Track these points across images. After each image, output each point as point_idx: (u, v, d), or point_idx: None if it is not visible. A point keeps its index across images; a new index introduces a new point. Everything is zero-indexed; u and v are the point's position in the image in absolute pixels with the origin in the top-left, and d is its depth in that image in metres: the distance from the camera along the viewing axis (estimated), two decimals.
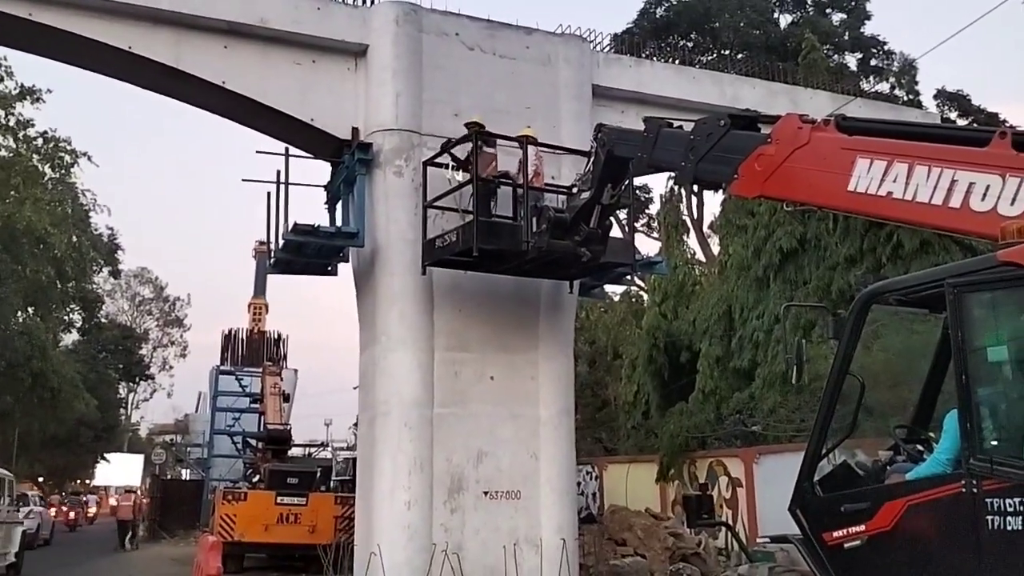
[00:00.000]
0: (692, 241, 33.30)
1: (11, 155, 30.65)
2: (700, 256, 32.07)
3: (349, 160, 11.11)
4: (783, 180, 6.22)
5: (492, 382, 10.99)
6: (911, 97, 28.42)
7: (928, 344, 5.87)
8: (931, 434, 5.50)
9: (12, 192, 29.41)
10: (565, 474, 11.22)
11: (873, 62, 34.50)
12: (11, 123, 30.52)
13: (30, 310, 30.71)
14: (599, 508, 18.84)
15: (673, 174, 8.33)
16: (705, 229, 33.80)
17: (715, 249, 31.74)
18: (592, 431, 25.14)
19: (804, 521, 5.22)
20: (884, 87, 32.22)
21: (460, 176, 10.35)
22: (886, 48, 34.23)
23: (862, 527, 4.78)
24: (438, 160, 10.64)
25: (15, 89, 29.56)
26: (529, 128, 10.46)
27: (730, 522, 14.68)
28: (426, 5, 11.67)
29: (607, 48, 13.30)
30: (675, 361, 21.40)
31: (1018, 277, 4.21)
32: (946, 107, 31.03)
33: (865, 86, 28.18)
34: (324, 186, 12.03)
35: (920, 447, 5.34)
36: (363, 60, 11.43)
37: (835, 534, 4.93)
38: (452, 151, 10.43)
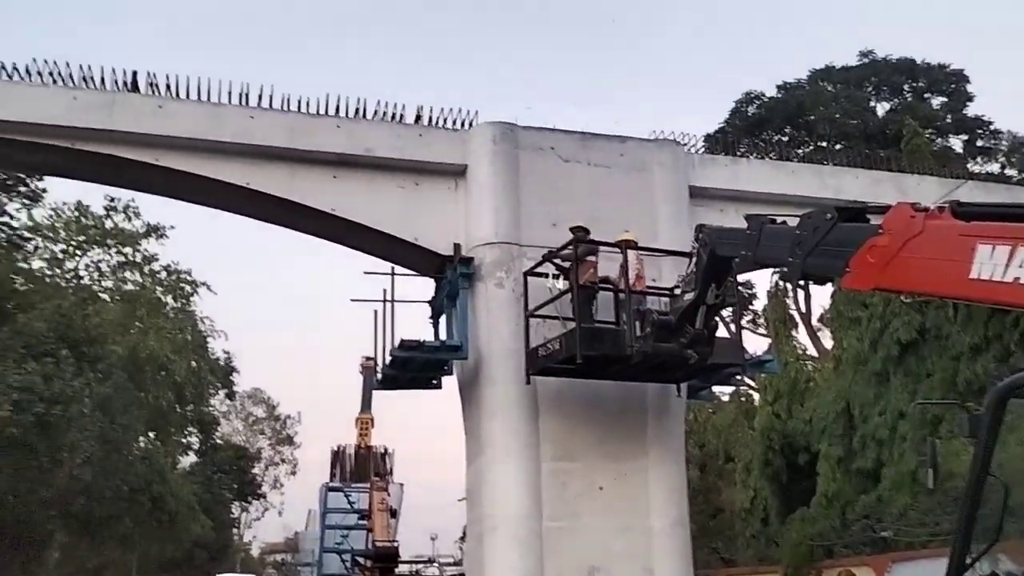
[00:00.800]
0: (802, 336, 32.34)
1: (137, 288, 32.87)
2: (811, 351, 31.02)
3: (452, 275, 11.37)
4: (898, 271, 6.01)
5: (601, 492, 10.70)
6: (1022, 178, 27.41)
7: None
8: None
9: (137, 323, 31.36)
10: None
11: (979, 143, 33.63)
12: (138, 259, 32.89)
13: (151, 435, 32.06)
14: None
15: (779, 270, 8.19)
16: (814, 323, 32.82)
17: (826, 343, 30.68)
18: (707, 540, 24.03)
19: None
20: (994, 167, 31.22)
21: (561, 284, 10.44)
22: (992, 128, 33.33)
23: None
24: (538, 270, 10.78)
25: (142, 228, 32.01)
26: (628, 232, 10.54)
27: None
28: (522, 123, 12.10)
29: (700, 149, 13.42)
30: (793, 463, 20.51)
31: None
32: None
33: (973, 168, 27.37)
34: (428, 301, 12.30)
35: None
36: (463, 179, 11.83)
37: None
38: (553, 260, 10.58)
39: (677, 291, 9.89)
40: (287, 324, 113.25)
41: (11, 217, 22.47)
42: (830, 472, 18.65)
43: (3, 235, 22.00)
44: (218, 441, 45.83)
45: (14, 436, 18.52)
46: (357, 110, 11.66)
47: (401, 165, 11.68)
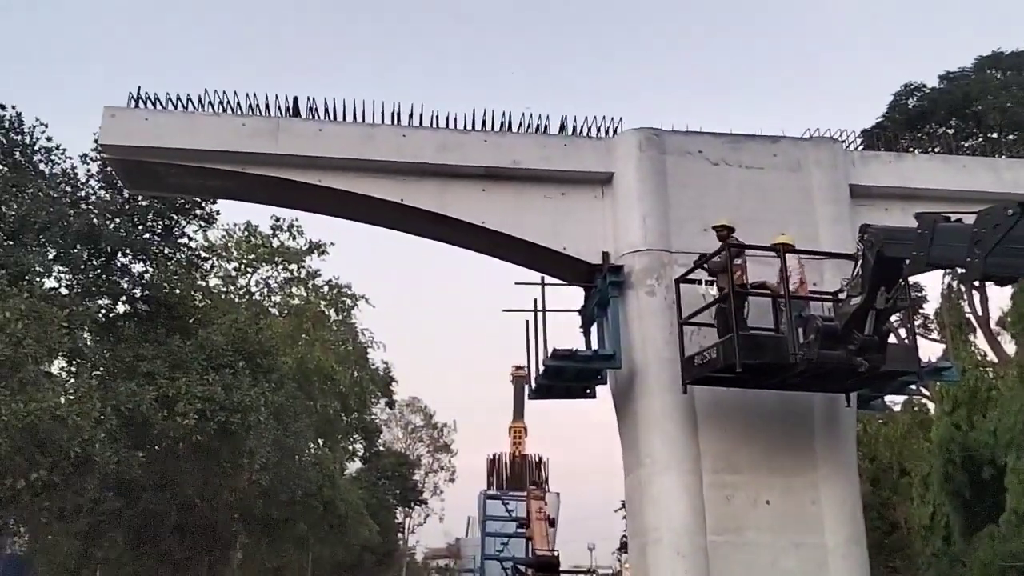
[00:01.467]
0: (979, 341, 29.97)
1: (302, 303, 34.82)
2: (991, 357, 28.67)
3: (601, 284, 11.28)
4: None
5: (768, 507, 10.26)
6: None
7: None
8: None
9: (304, 336, 33.18)
10: None
11: None
12: (302, 275, 34.86)
13: (320, 441, 33.76)
14: None
15: (955, 271, 7.68)
16: (993, 326, 30.35)
17: (1008, 348, 28.30)
18: (883, 559, 22.62)
19: None
20: None
21: (715, 291, 10.14)
22: None
23: None
24: (690, 276, 10.52)
25: (305, 245, 33.91)
26: (784, 235, 10.11)
27: None
28: (667, 127, 11.88)
29: (859, 146, 12.71)
30: (976, 478, 18.97)
31: None
32: None
33: None
34: (578, 310, 12.26)
35: None
36: (609, 187, 11.75)
37: None
38: (703, 265, 10.30)
39: (842, 295, 9.41)
40: (441, 336, 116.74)
41: (189, 239, 24.30)
42: (1020, 487, 17.09)
43: (183, 255, 23.80)
44: (380, 448, 47.67)
45: (199, 443, 19.95)
46: (503, 123, 11.84)
47: (547, 176, 11.74)
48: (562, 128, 11.98)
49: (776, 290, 9.93)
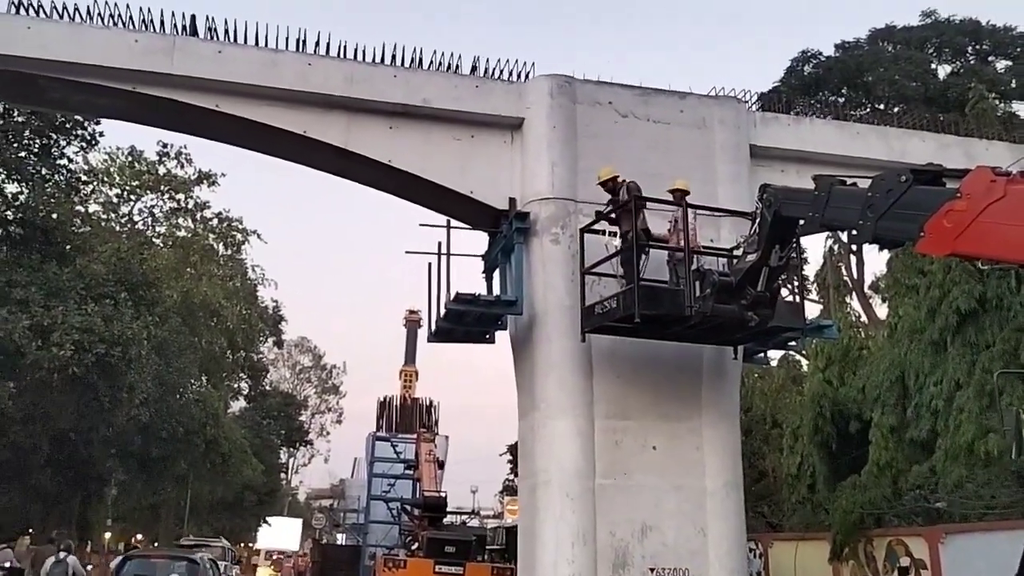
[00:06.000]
0: (854, 303, 31.70)
1: (189, 235, 33.44)
2: (863, 319, 30.42)
3: (507, 230, 11.28)
4: (977, 237, 5.78)
5: (655, 452, 10.66)
6: None
7: None
8: None
9: (190, 269, 31.96)
10: (736, 552, 10.64)
11: None
12: (189, 206, 33.41)
13: (204, 378, 32.83)
14: None
15: (844, 233, 7.95)
16: (866, 290, 32.14)
17: (879, 311, 30.04)
18: (751, 504, 23.89)
19: None
20: None
21: (618, 241, 10.28)
22: None
23: None
24: (595, 227, 10.63)
25: (193, 175, 32.45)
26: (680, 181, 10.27)
27: None
28: (579, 76, 11.86)
29: (756, 108, 13.05)
30: (843, 431, 20.15)
31: None
32: None
33: None
34: (482, 256, 12.25)
35: None
36: (519, 133, 11.69)
37: None
38: (606, 215, 10.41)
39: (738, 252, 9.69)
40: (335, 277, 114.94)
41: (69, 160, 22.81)
42: (883, 441, 18.27)
43: (61, 178, 22.35)
44: (267, 388, 46.82)
45: (76, 376, 19.02)
46: (414, 59, 11.55)
47: (457, 117, 11.56)
48: (474, 69, 11.80)
49: (670, 241, 10.15)
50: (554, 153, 11.33)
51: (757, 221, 8.73)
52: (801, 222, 8.05)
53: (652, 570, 10.22)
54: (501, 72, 11.85)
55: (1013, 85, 32.20)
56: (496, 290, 11.76)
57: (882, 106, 31.34)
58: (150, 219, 32.46)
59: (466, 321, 11.37)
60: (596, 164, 11.30)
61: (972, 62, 33.20)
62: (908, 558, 15.09)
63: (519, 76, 11.87)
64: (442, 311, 11.10)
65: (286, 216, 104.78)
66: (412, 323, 42.97)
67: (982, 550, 13.03)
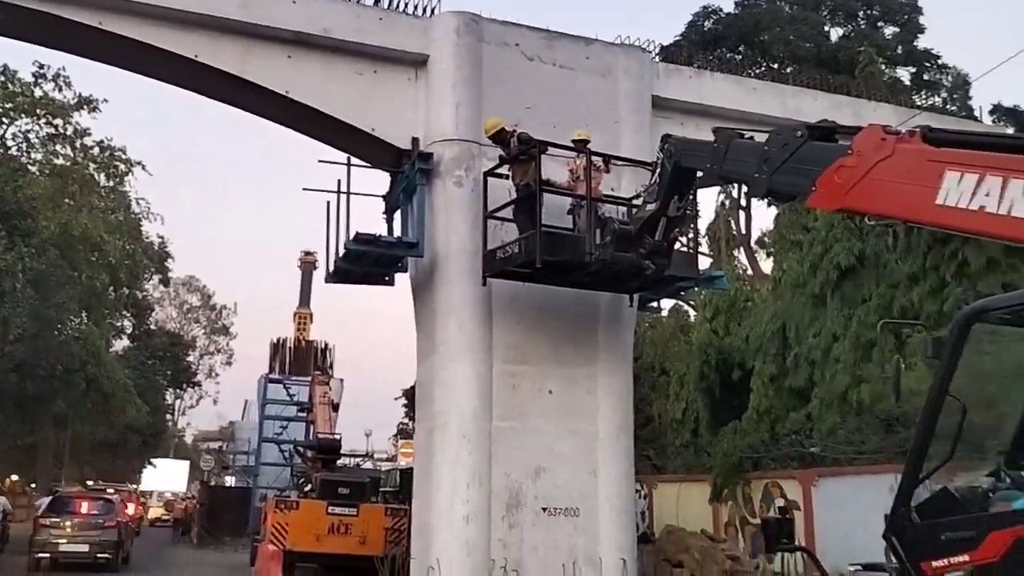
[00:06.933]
0: (741, 256, 32.90)
1: (68, 163, 31.43)
2: (749, 272, 31.63)
3: (409, 170, 11.08)
4: (865, 193, 5.98)
5: (551, 396, 10.84)
6: (963, 114, 27.80)
7: None
8: None
9: (68, 200, 30.11)
10: (625, 492, 11.01)
11: (926, 76, 33.87)
12: (68, 132, 31.32)
13: (84, 315, 31.29)
14: (649, 527, 18.52)
15: (738, 187, 8.11)
16: (753, 244, 33.38)
17: (764, 265, 31.30)
18: (638, 448, 24.75)
19: (900, 549, 4.95)
20: (937, 101, 31.57)
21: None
22: (939, 62, 33.59)
23: (965, 557, 4.51)
24: (499, 171, 10.54)
25: (73, 99, 30.37)
26: (582, 132, 10.26)
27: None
28: (486, 15, 11.63)
29: (657, 59, 13.15)
30: (727, 379, 21.02)
31: None
32: (1003, 123, 30.23)
33: (919, 101, 27.64)
34: (383, 196, 12.00)
35: None
36: (424, 70, 11.42)
37: (935, 564, 4.67)
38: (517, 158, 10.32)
39: (638, 201, 9.79)
40: (227, 213, 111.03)
41: None
42: (763, 388, 19.18)
43: None
44: (152, 327, 45.08)
45: None
46: None
47: (359, 49, 11.19)
48: (378, 1, 11.40)
49: (572, 189, 10.18)
50: (459, 93, 11.14)
51: (657, 171, 8.82)
52: (700, 173, 8.19)
53: (544, 509, 10.47)
54: (407, 5, 11.50)
55: (899, 51, 33.62)
56: (397, 232, 11.57)
57: (777, 65, 32.15)
58: (25, 144, 30.28)
59: (365, 262, 11.17)
60: (501, 107, 11.16)
61: (863, 26, 34.42)
62: (783, 499, 15.97)
63: (425, 11, 11.54)
64: (340, 251, 10.85)
65: (175, 147, 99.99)
66: (307, 264, 42.16)
67: (851, 492, 13.90)
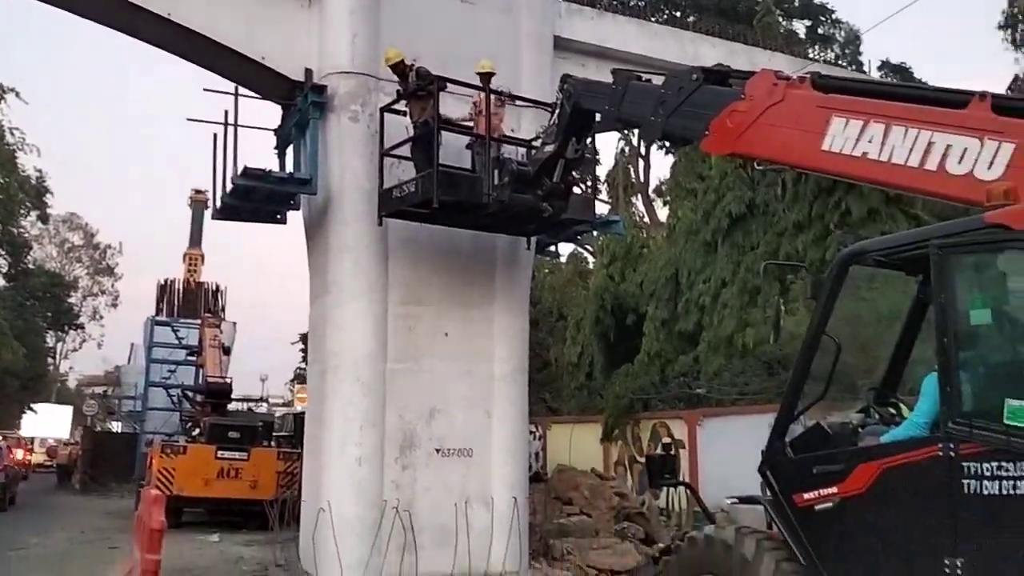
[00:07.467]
0: (639, 204, 33.44)
1: None
2: (646, 219, 32.21)
3: (302, 103, 10.64)
4: (755, 138, 6.06)
5: (447, 338, 10.78)
6: (854, 68, 28.77)
7: (901, 307, 5.84)
8: (900, 397, 5.48)
9: None
10: (518, 433, 11.13)
11: (820, 30, 34.82)
12: None
13: None
14: (542, 467, 18.92)
15: (635, 132, 8.10)
16: (651, 193, 33.94)
17: (661, 213, 31.92)
18: (535, 390, 25.17)
19: (774, 482, 5.15)
20: (830, 56, 32.56)
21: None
22: (834, 17, 34.58)
23: (834, 489, 4.72)
24: (396, 107, 10.25)
25: None
26: (485, 63, 10.02)
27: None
28: None
29: None
30: (621, 323, 21.49)
31: (1005, 239, 4.13)
32: (890, 78, 31.49)
33: (812, 54, 28.43)
34: (274, 130, 11.53)
35: (892, 410, 5.31)
36: None
37: (806, 496, 4.87)
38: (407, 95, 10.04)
39: (537, 142, 9.70)
40: (112, 146, 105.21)
41: None
42: (654, 333, 19.72)
43: None
44: (30, 266, 42.60)
45: None
46: None
47: None
48: None
49: (473, 124, 10.00)
50: (356, 23, 10.71)
51: (557, 112, 8.73)
52: (598, 116, 8.14)
53: (438, 450, 10.49)
54: None
55: (796, 3, 34.39)
56: (289, 167, 11.16)
57: (679, 13, 32.42)
58: None
59: (255, 199, 10.75)
60: (400, 40, 10.77)
61: None
62: (669, 438, 16.54)
63: None
64: (228, 187, 10.39)
65: (53, 74, 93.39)
66: (198, 203, 40.20)
67: (734, 430, 14.46)
